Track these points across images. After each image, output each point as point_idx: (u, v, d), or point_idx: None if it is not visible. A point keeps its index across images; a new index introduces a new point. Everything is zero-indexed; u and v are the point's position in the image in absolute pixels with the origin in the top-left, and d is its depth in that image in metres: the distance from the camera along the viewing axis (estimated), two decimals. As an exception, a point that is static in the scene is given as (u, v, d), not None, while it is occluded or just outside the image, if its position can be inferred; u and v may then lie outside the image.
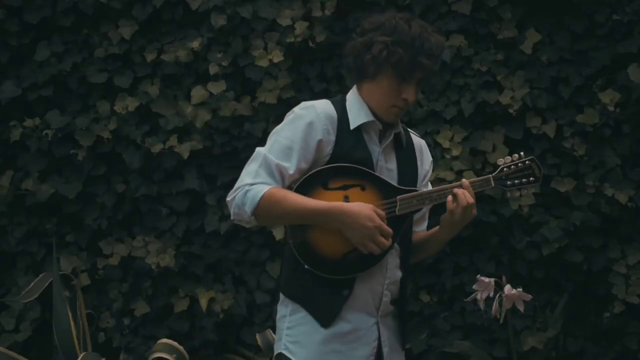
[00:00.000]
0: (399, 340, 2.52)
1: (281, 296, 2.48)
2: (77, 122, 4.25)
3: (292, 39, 4.16)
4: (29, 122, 4.25)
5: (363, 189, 2.36)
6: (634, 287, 4.02)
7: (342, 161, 2.37)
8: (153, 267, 4.18)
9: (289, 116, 2.42)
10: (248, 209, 2.32)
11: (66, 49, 4.32)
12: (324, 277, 2.36)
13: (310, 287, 2.39)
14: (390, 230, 2.31)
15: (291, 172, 2.35)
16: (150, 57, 4.24)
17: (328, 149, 2.38)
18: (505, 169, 2.47)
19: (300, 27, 4.15)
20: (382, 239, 2.30)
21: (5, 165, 4.35)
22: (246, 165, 2.40)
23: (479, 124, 4.18)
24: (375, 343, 2.44)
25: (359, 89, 2.46)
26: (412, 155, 2.54)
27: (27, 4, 4.31)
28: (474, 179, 2.45)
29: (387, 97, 2.41)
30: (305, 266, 2.37)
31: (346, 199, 2.35)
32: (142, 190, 4.26)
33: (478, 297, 3.29)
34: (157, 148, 4.18)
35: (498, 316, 3.31)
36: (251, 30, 4.25)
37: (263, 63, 4.16)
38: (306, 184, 2.35)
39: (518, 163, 2.47)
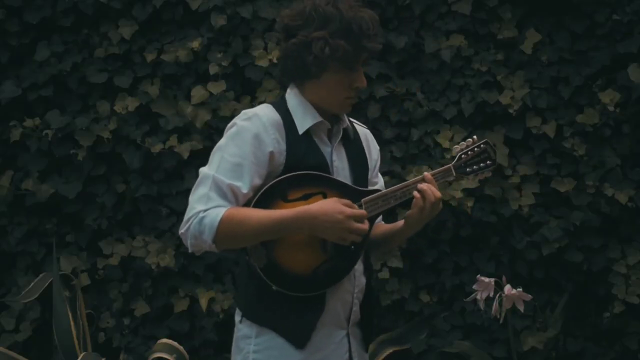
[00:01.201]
0: (363, 347, 2.43)
1: (241, 315, 2.33)
2: (77, 122, 4.25)
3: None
4: (29, 122, 4.25)
5: (325, 196, 2.22)
6: (634, 287, 4.02)
7: (297, 169, 2.22)
8: (153, 267, 4.18)
9: (231, 129, 2.25)
10: (207, 237, 2.14)
11: (66, 49, 4.32)
12: (295, 296, 2.23)
13: (280, 309, 2.25)
14: (363, 212, 2.20)
15: (245, 190, 2.18)
16: (150, 57, 4.24)
17: (280, 159, 2.23)
18: (463, 155, 2.40)
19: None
20: (358, 225, 2.16)
21: (5, 165, 4.35)
22: (193, 190, 2.21)
23: (479, 124, 4.18)
24: (347, 356, 2.35)
25: (300, 89, 2.31)
26: (360, 148, 2.42)
27: (27, 4, 4.31)
28: (435, 170, 2.38)
29: (338, 91, 2.27)
30: (274, 287, 2.22)
31: None
32: (142, 190, 4.26)
33: (478, 297, 3.29)
34: (157, 148, 4.18)
35: (498, 316, 3.31)
36: (251, 30, 4.25)
37: (263, 63, 4.16)
38: (264, 199, 2.18)
39: (474, 148, 2.41)
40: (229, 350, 4.30)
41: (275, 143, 2.23)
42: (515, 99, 4.10)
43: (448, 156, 4.09)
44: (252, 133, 2.22)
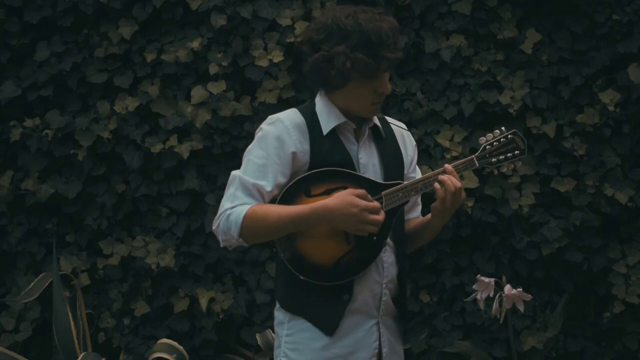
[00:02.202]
0: (398, 340, 2.51)
1: (277, 303, 2.48)
2: (77, 122, 4.25)
3: (292, 39, 4.16)
4: (29, 122, 4.25)
5: (346, 190, 2.33)
6: (634, 287, 4.02)
7: (321, 167, 2.35)
8: (153, 267, 4.18)
9: (258, 134, 2.41)
10: (234, 232, 2.31)
11: (66, 49, 4.32)
12: (321, 285, 2.34)
13: (309, 297, 2.38)
14: (376, 204, 2.29)
15: (269, 189, 2.33)
16: (150, 57, 4.23)
17: (305, 158, 2.37)
18: (487, 146, 2.45)
19: (300, 27, 4.15)
20: (374, 216, 2.26)
21: (5, 165, 4.35)
22: (225, 191, 2.39)
23: (479, 124, 4.18)
24: (376, 344, 2.43)
25: (328, 95, 2.43)
26: (394, 145, 2.52)
27: (27, 4, 4.31)
28: (457, 162, 2.42)
29: (364, 99, 2.38)
30: (301, 277, 2.35)
31: None
32: (142, 190, 4.26)
33: (478, 297, 3.29)
34: (157, 148, 4.18)
35: (498, 316, 3.31)
36: (251, 30, 4.25)
37: (263, 63, 4.16)
38: (289, 194, 2.34)
39: (500, 139, 2.45)
40: (228, 350, 4.32)
41: (297, 144, 2.37)
42: (515, 99, 4.10)
43: (448, 156, 4.09)
44: (275, 136, 2.37)
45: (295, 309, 2.41)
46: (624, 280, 4.04)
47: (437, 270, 4.21)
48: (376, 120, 2.49)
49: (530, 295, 3.29)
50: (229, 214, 2.32)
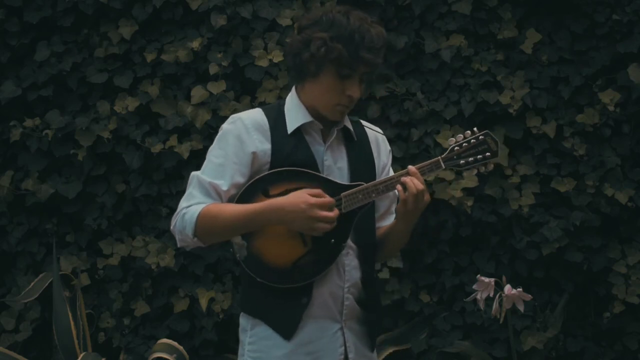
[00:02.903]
0: (366, 344, 2.44)
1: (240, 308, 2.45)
2: (77, 122, 4.25)
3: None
4: (29, 122, 4.25)
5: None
6: (634, 287, 4.02)
7: (282, 165, 2.32)
8: (153, 267, 4.18)
9: (219, 133, 2.40)
10: (189, 231, 2.29)
11: (66, 49, 4.32)
12: (279, 288, 2.31)
13: (267, 300, 2.34)
14: (331, 199, 2.24)
15: (225, 188, 2.31)
16: (150, 57, 4.23)
17: (265, 159, 2.34)
18: (456, 148, 2.36)
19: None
20: (325, 213, 2.21)
21: (5, 165, 4.35)
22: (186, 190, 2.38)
23: (479, 124, 4.17)
24: (342, 349, 2.38)
25: (299, 90, 2.41)
26: (366, 149, 2.47)
27: (27, 4, 4.31)
28: (421, 163, 2.35)
29: (331, 95, 2.33)
30: (257, 279, 2.32)
31: None
32: (142, 190, 4.26)
33: (478, 297, 3.29)
34: (157, 148, 4.18)
35: (498, 316, 3.31)
36: (251, 30, 4.25)
37: (263, 63, 4.16)
38: (247, 194, 2.31)
39: (471, 140, 2.37)
40: (228, 350, 4.32)
41: (257, 143, 2.34)
42: (515, 99, 4.10)
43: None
44: (234, 135, 2.35)
45: (254, 312, 2.38)
46: (624, 280, 4.04)
47: (437, 270, 4.21)
48: (348, 123, 2.44)
49: (530, 295, 3.29)
50: (184, 214, 2.30)
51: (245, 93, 4.26)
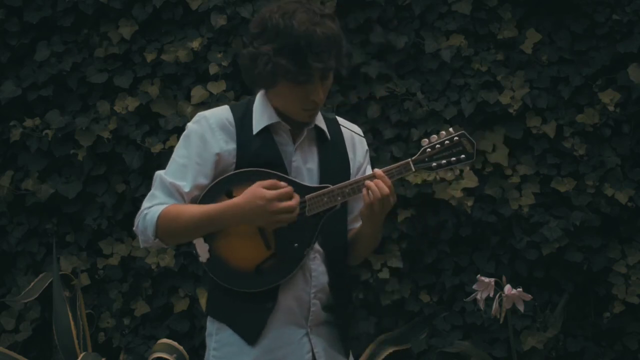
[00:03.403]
0: (338, 349, 2.39)
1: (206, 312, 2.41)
2: (77, 122, 4.25)
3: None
4: (29, 122, 4.25)
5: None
6: (634, 287, 4.02)
7: (249, 165, 2.26)
8: (153, 267, 4.18)
9: (185, 131, 2.33)
10: (150, 232, 2.26)
11: (66, 49, 4.32)
12: (243, 292, 2.26)
13: (232, 303, 2.30)
14: (288, 188, 2.18)
15: (187, 189, 2.27)
16: (150, 57, 4.23)
17: (230, 158, 2.28)
18: (428, 149, 2.28)
19: (300, 27, 4.14)
20: (285, 203, 2.16)
21: (5, 165, 4.35)
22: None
23: (479, 124, 4.17)
24: (309, 355, 2.32)
25: (265, 91, 2.33)
26: (340, 149, 2.40)
27: (27, 4, 4.31)
28: (390, 166, 2.28)
29: (293, 103, 2.25)
30: (220, 283, 2.28)
31: None
32: (142, 190, 4.25)
33: (478, 297, 3.29)
34: (157, 148, 4.18)
35: (498, 316, 3.31)
36: (251, 30, 4.24)
37: (263, 63, 4.15)
38: (210, 195, 2.26)
39: (445, 141, 2.27)
40: (229, 350, 4.30)
41: (222, 143, 2.28)
42: (515, 99, 4.10)
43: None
44: (198, 135, 2.29)
45: (219, 316, 2.33)
46: (624, 280, 4.04)
47: (437, 270, 4.21)
48: (321, 122, 2.36)
49: (530, 295, 3.29)
50: (146, 214, 2.27)
51: (245, 93, 4.25)
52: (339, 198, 2.24)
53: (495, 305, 3.28)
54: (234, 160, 2.28)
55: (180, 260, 4.24)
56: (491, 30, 4.18)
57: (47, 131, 4.24)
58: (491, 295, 3.28)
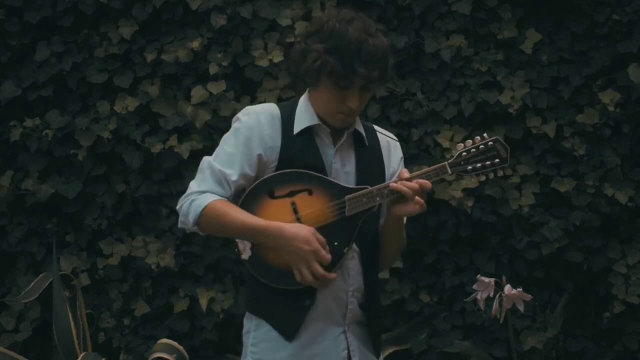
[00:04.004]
0: (370, 349, 2.44)
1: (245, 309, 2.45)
2: (77, 122, 4.25)
3: (292, 39, 4.16)
4: (29, 122, 4.25)
5: (310, 193, 2.31)
6: (634, 287, 4.02)
7: (290, 165, 2.32)
8: (153, 267, 4.18)
9: (234, 123, 2.40)
10: (191, 219, 2.32)
11: (66, 49, 4.32)
12: (281, 289, 2.31)
13: (271, 299, 2.34)
14: (328, 257, 2.24)
15: (234, 178, 2.32)
16: (150, 57, 4.23)
17: (274, 155, 2.34)
18: (464, 153, 2.35)
19: (300, 27, 4.15)
20: (317, 267, 2.22)
21: (5, 165, 4.35)
22: (197, 173, 2.40)
23: (479, 124, 4.18)
24: (345, 353, 2.37)
25: (309, 95, 2.41)
26: (376, 155, 2.46)
27: (27, 4, 4.31)
28: (427, 168, 2.35)
29: (330, 105, 2.32)
30: (260, 280, 2.33)
31: (293, 205, 2.30)
32: (142, 190, 4.26)
33: (478, 297, 3.29)
34: (157, 148, 4.18)
35: (498, 316, 3.31)
36: (251, 30, 4.25)
37: (263, 63, 4.16)
38: (253, 193, 2.32)
39: (480, 145, 2.35)
40: (229, 350, 4.32)
41: (268, 139, 2.34)
42: (515, 99, 4.10)
43: (448, 156, 4.09)
44: (248, 128, 2.35)
45: (258, 311, 2.38)
46: (624, 280, 4.04)
47: (437, 270, 4.21)
48: (360, 127, 2.43)
49: (530, 295, 3.29)
50: (193, 200, 2.33)
51: (245, 93, 4.26)
52: (378, 199, 2.31)
53: (495, 305, 3.28)
54: (277, 157, 2.34)
55: (180, 260, 4.24)
56: (491, 30, 4.18)
57: (47, 131, 4.24)
58: (491, 295, 3.28)
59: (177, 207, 2.38)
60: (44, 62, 4.29)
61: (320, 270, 2.23)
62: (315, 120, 2.37)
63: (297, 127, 2.36)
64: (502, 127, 4.14)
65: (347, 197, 2.30)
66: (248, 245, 2.32)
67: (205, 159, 2.39)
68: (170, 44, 4.26)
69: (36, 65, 4.31)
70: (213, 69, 4.18)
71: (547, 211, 4.12)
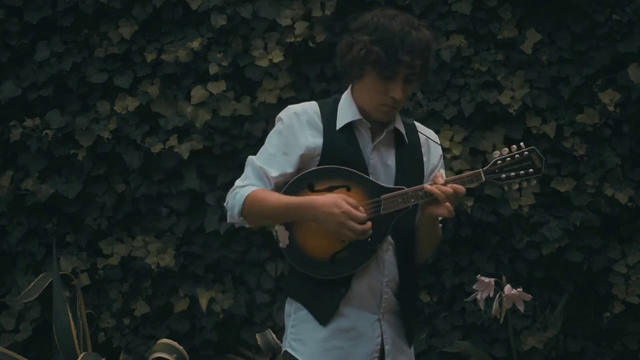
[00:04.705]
0: (403, 339, 2.51)
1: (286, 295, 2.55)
2: (77, 122, 4.25)
3: (292, 39, 4.16)
4: (29, 122, 4.25)
5: (348, 189, 2.38)
6: (634, 287, 4.02)
7: (332, 161, 2.40)
8: (153, 267, 4.19)
9: (277, 123, 2.50)
10: (236, 210, 2.42)
11: (66, 49, 4.32)
12: (317, 278, 2.40)
13: (308, 285, 2.44)
14: (361, 215, 2.32)
15: (274, 175, 2.42)
16: (150, 57, 4.24)
17: (316, 152, 2.42)
18: (499, 161, 2.39)
19: (300, 27, 4.15)
20: (353, 224, 2.30)
21: (5, 165, 4.35)
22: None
23: (479, 124, 4.18)
24: (379, 340, 2.45)
25: (352, 89, 2.49)
26: (416, 152, 2.52)
27: (27, 4, 4.31)
28: (463, 174, 2.40)
29: (374, 96, 2.39)
30: (298, 269, 2.42)
31: None
32: (142, 190, 4.26)
33: (478, 297, 3.29)
34: (157, 148, 4.18)
35: (498, 316, 3.31)
36: (251, 30, 4.25)
37: (263, 63, 4.16)
38: (294, 186, 2.41)
39: (515, 154, 2.38)
40: (229, 350, 4.32)
41: (310, 138, 2.42)
42: (515, 99, 4.10)
43: (448, 156, 4.09)
44: (289, 128, 2.45)
45: (296, 296, 2.48)
46: (624, 280, 4.04)
47: (437, 270, 4.21)
48: (400, 125, 2.49)
49: (530, 295, 3.29)
50: (236, 193, 2.43)
51: (245, 93, 4.26)
52: (412, 200, 2.38)
53: (495, 305, 3.28)
54: (319, 153, 2.42)
55: (180, 260, 4.24)
56: (491, 30, 4.18)
57: (47, 131, 4.24)
58: (491, 295, 3.28)
59: (224, 204, 2.49)
60: (44, 62, 4.30)
61: (356, 226, 2.30)
62: (357, 116, 2.44)
63: (340, 123, 2.44)
64: (502, 127, 4.14)
65: (383, 196, 2.37)
66: (287, 234, 2.41)
67: (250, 157, 2.49)
68: (170, 44, 4.26)
69: (36, 65, 4.31)
70: (213, 69, 4.18)
71: (547, 211, 4.12)
